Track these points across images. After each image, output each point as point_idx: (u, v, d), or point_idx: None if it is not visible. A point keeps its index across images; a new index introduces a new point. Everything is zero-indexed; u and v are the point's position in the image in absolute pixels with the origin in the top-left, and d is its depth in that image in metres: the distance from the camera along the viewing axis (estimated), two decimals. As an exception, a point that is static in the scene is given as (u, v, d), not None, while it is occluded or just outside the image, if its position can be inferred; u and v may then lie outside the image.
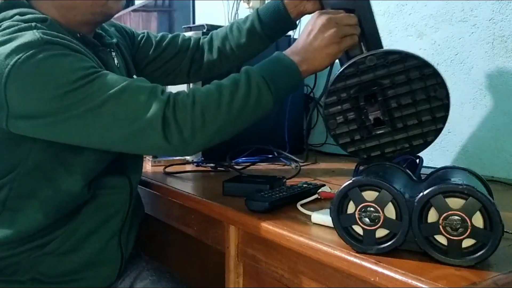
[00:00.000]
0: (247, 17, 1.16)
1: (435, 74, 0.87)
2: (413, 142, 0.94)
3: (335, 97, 0.93)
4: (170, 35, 1.22)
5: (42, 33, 0.83)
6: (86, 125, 0.82)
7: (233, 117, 0.86)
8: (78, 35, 0.94)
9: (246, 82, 0.87)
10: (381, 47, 1.01)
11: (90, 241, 0.97)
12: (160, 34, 1.22)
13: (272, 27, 1.11)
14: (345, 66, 0.92)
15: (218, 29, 1.22)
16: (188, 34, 1.39)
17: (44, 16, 0.90)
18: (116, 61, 1.03)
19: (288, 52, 0.94)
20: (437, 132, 0.92)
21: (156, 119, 0.81)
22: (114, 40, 1.07)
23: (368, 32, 1.00)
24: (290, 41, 1.52)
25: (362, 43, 0.99)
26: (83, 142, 0.86)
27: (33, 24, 0.85)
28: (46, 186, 0.91)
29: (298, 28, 1.61)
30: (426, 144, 0.94)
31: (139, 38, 1.20)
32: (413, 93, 0.90)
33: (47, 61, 0.81)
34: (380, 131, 0.94)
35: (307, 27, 0.95)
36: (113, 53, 1.03)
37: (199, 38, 1.22)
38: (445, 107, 0.90)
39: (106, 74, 0.85)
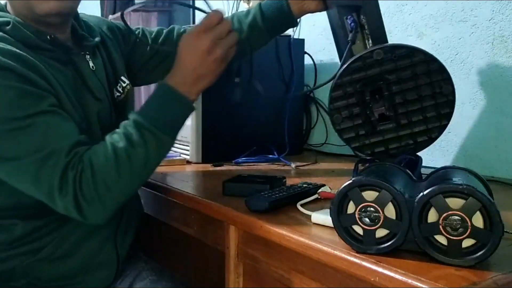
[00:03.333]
0: (248, 11, 1.14)
1: (441, 70, 0.87)
2: (417, 139, 0.93)
3: (341, 91, 0.92)
4: (165, 30, 1.19)
5: None
6: (9, 174, 0.85)
7: (137, 174, 0.86)
8: (49, 37, 0.91)
9: (140, 137, 0.84)
10: (387, 41, 1.01)
11: (85, 245, 0.96)
12: (155, 30, 1.19)
13: (274, 23, 1.11)
14: (352, 59, 0.91)
15: None
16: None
17: (7, 19, 0.89)
18: (91, 64, 1.00)
19: (175, 81, 0.88)
20: (442, 128, 0.91)
21: (73, 207, 0.82)
22: (97, 39, 1.03)
23: (375, 29, 0.99)
24: (290, 40, 1.52)
25: (367, 41, 0.99)
26: (5, 180, 0.87)
27: None
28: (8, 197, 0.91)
29: (298, 28, 1.61)
30: (431, 141, 0.93)
31: (134, 35, 1.16)
32: (419, 88, 0.89)
33: None
34: (385, 127, 0.93)
35: (188, 51, 0.89)
36: (88, 56, 1.00)
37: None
38: (450, 104, 0.89)
39: (44, 119, 0.83)
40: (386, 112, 0.92)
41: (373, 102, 0.92)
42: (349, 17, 1.01)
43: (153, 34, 1.18)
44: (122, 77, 1.09)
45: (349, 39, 0.99)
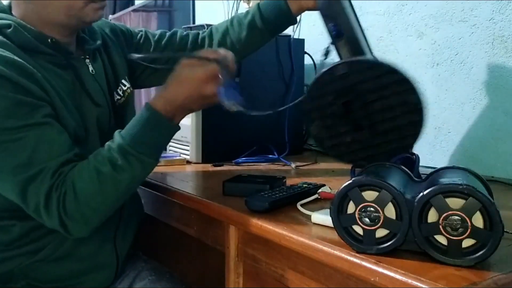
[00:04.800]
0: (248, 12, 1.15)
1: (404, 81, 0.87)
2: (393, 146, 0.94)
3: (314, 103, 0.92)
4: (168, 33, 1.20)
5: None
6: (2, 187, 0.87)
7: (122, 194, 0.89)
8: (50, 40, 0.91)
9: (125, 163, 0.84)
10: (362, 51, 1.01)
11: (84, 246, 0.96)
12: (158, 33, 1.20)
13: (273, 22, 1.11)
14: (320, 73, 0.91)
15: (218, 24, 1.20)
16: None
17: (8, 22, 0.89)
18: (91, 69, 1.00)
19: (163, 107, 0.87)
20: (416, 135, 0.92)
21: (58, 225, 0.84)
22: (98, 43, 1.03)
23: (351, 40, 1.00)
24: (290, 40, 1.52)
25: (346, 48, 1.00)
26: None
27: None
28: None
29: (298, 28, 1.61)
30: (407, 148, 0.94)
31: (137, 38, 1.17)
32: (387, 99, 0.90)
33: None
34: (361, 136, 0.94)
35: (182, 80, 0.88)
36: (88, 60, 1.00)
37: (198, 33, 1.20)
38: (420, 112, 0.89)
39: (35, 132, 0.83)
40: (360, 122, 0.92)
41: (347, 113, 0.93)
42: (330, 24, 1.02)
43: (156, 36, 1.19)
44: (123, 80, 1.09)
45: (327, 47, 1.01)
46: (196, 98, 0.88)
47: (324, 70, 0.90)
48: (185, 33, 1.21)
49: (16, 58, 0.85)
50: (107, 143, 0.88)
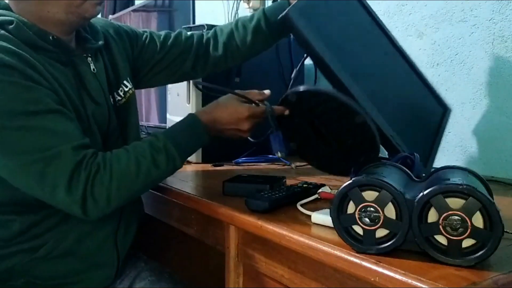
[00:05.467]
0: (252, 16, 1.16)
1: (344, 104, 0.91)
2: (361, 159, 0.96)
3: (285, 122, 1.01)
4: (173, 34, 1.21)
5: None
6: (16, 173, 0.86)
7: (146, 188, 0.96)
8: (51, 37, 0.92)
9: (165, 162, 0.91)
10: (330, 73, 1.03)
11: (84, 244, 0.96)
12: (163, 34, 1.21)
13: (277, 27, 1.12)
14: (280, 100, 0.99)
15: (222, 25, 1.21)
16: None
17: (10, 18, 0.89)
18: (92, 67, 1.00)
19: (207, 120, 0.99)
20: (374, 149, 0.95)
21: (78, 200, 0.84)
22: (100, 43, 1.04)
23: (317, 64, 1.05)
24: (290, 41, 1.52)
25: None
26: (6, 177, 0.87)
27: None
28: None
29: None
30: (372, 160, 0.97)
31: (142, 39, 1.18)
32: (338, 121, 0.94)
33: None
34: (332, 151, 1.00)
35: (229, 111, 1.00)
36: (90, 59, 1.00)
37: (202, 34, 1.21)
38: (368, 129, 0.92)
39: (48, 118, 0.85)
40: (329, 139, 0.98)
41: (316, 132, 0.99)
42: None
43: (162, 37, 1.20)
44: (125, 81, 1.09)
45: (296, 68, 1.10)
46: (232, 128, 1.02)
47: (281, 98, 0.99)
48: (189, 34, 1.21)
49: (19, 50, 0.86)
50: (147, 138, 0.94)
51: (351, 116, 0.89)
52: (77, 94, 0.94)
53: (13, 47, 0.85)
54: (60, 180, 0.83)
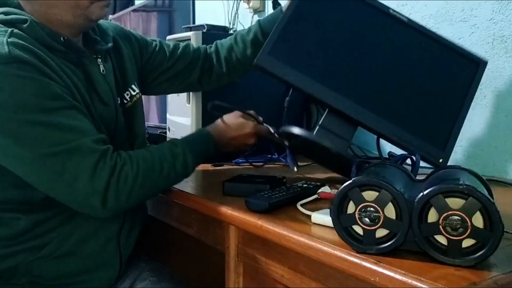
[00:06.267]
0: (249, 29, 1.19)
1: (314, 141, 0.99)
2: (345, 171, 1.02)
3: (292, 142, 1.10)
4: (181, 45, 1.24)
5: (13, 44, 0.84)
6: (33, 167, 0.86)
7: (163, 188, 0.99)
8: (62, 38, 0.93)
9: (181, 167, 0.96)
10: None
11: (87, 244, 0.96)
12: (172, 44, 1.24)
13: None
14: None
15: (223, 40, 1.25)
16: (188, 34, 1.39)
17: (24, 17, 0.90)
18: (102, 68, 1.01)
19: (216, 134, 1.07)
20: (349, 166, 0.99)
21: (100, 190, 0.84)
22: (110, 45, 1.05)
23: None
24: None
25: None
26: (21, 173, 0.87)
27: (9, 30, 0.86)
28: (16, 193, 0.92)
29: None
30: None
31: (152, 47, 1.20)
32: (321, 149, 1.01)
33: (10, 79, 0.82)
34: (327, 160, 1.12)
35: (236, 127, 1.10)
36: (99, 60, 1.02)
37: (206, 48, 1.25)
38: (339, 155, 1.00)
39: (67, 113, 0.85)
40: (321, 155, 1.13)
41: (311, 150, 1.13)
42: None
43: (171, 47, 1.23)
44: (133, 86, 1.11)
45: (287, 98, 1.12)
46: (237, 143, 1.11)
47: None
48: (196, 47, 1.25)
49: (34, 48, 0.87)
50: (165, 143, 0.98)
51: (325, 148, 0.98)
52: (88, 94, 0.95)
53: (29, 45, 0.86)
54: (83, 171, 0.83)
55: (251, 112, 1.16)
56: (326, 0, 1.09)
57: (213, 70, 1.23)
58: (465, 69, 1.08)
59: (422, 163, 1.01)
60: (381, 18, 1.10)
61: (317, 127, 1.04)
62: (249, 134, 1.11)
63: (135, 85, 1.12)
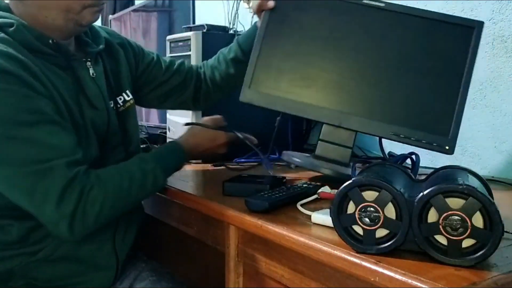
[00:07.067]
0: (230, 48, 1.21)
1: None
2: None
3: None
4: (177, 62, 1.25)
5: None
6: (4, 183, 0.86)
7: (132, 206, 0.97)
8: (51, 41, 0.92)
9: (151, 185, 0.95)
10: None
11: (82, 248, 0.96)
12: (168, 59, 1.25)
13: None
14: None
15: (209, 60, 1.27)
16: (188, 34, 1.39)
17: (11, 21, 0.89)
18: (91, 72, 1.00)
19: (187, 146, 1.07)
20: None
21: (67, 216, 0.83)
22: (101, 47, 1.04)
23: None
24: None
25: None
26: None
27: None
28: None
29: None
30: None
31: (149, 58, 1.20)
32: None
33: None
34: None
35: (206, 138, 1.13)
36: (89, 63, 1.00)
37: (197, 67, 1.26)
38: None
39: (45, 129, 0.84)
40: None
41: None
42: None
43: (167, 62, 1.24)
44: (127, 91, 1.11)
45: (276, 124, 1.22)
46: (209, 153, 1.16)
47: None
48: (189, 65, 1.27)
49: (18, 54, 0.86)
50: (135, 159, 0.97)
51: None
52: (75, 99, 0.94)
53: (14, 52, 0.85)
54: (51, 196, 0.82)
55: (218, 117, 1.19)
56: (296, 11, 1.08)
57: (201, 89, 1.25)
58: (458, 38, 0.99)
59: (422, 163, 1.01)
60: (357, 11, 1.05)
61: (318, 142, 1.05)
62: (221, 144, 1.15)
63: (129, 91, 1.11)
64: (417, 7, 1.03)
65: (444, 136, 0.96)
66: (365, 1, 1.05)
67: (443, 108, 0.97)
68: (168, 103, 1.26)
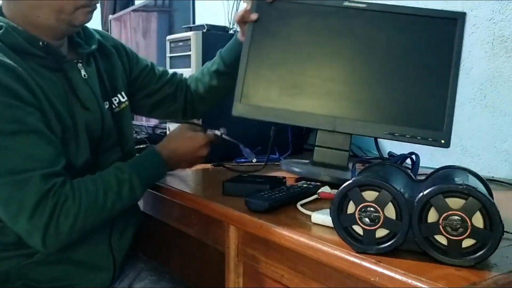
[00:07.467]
0: (213, 61, 1.21)
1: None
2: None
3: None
4: (170, 73, 1.25)
5: None
6: None
7: (108, 217, 0.94)
8: (41, 43, 0.91)
9: (128, 196, 0.93)
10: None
11: (78, 250, 0.96)
12: (161, 69, 1.25)
13: (236, 64, 1.13)
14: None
15: (195, 73, 1.28)
16: (188, 34, 1.39)
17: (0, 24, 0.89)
18: (83, 73, 0.99)
19: (166, 155, 1.02)
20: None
21: (40, 229, 0.83)
22: (93, 47, 1.03)
23: None
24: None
25: None
26: None
27: None
28: None
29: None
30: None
31: (143, 65, 1.20)
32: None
33: None
34: None
35: (186, 140, 1.06)
36: (80, 65, 1.00)
37: (186, 79, 1.27)
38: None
39: (25, 139, 0.83)
40: None
41: None
42: None
43: (161, 71, 1.24)
44: (122, 93, 1.10)
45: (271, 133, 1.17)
46: (190, 157, 1.07)
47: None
48: (180, 77, 1.27)
49: (6, 59, 0.85)
50: (111, 168, 0.94)
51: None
52: (66, 101, 0.94)
53: (1, 56, 0.85)
54: (25, 208, 0.82)
55: (194, 121, 1.17)
56: (279, 20, 1.08)
57: (188, 101, 1.25)
58: (443, 31, 0.99)
59: (422, 163, 1.01)
60: (340, 14, 1.05)
61: (314, 148, 1.05)
62: (201, 146, 1.07)
63: (124, 93, 1.11)
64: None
65: (438, 130, 0.96)
66: (346, 3, 1.05)
67: (434, 103, 0.98)
68: (159, 112, 1.25)
